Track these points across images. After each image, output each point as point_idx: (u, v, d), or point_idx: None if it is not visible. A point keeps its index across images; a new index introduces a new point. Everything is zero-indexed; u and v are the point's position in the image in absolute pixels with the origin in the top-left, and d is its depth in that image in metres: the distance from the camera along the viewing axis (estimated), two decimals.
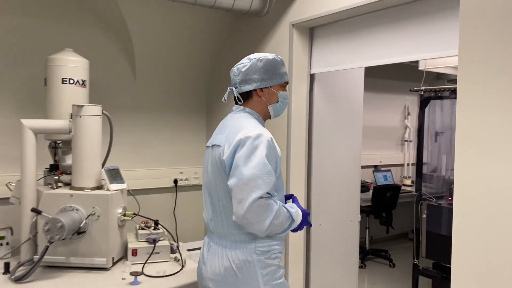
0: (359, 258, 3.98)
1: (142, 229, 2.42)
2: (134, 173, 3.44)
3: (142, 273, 2.08)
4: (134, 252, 2.26)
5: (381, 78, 5.39)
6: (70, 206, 2.12)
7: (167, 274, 2.10)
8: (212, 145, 1.80)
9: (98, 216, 2.14)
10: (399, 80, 5.77)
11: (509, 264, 1.63)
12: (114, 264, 2.21)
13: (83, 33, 3.22)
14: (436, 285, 3.77)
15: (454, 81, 5.29)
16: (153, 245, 2.28)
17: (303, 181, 3.00)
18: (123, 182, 2.29)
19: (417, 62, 4.73)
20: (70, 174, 2.32)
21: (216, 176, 1.73)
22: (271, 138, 1.68)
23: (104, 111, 2.34)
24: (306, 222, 1.76)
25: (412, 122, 6.05)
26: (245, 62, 1.79)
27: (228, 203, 1.68)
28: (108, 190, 2.23)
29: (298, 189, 2.96)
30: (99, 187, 2.29)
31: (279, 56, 1.84)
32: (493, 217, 1.68)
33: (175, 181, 3.72)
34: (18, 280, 1.96)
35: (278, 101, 1.83)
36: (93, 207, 2.14)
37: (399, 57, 2.42)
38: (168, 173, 3.70)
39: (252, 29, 3.32)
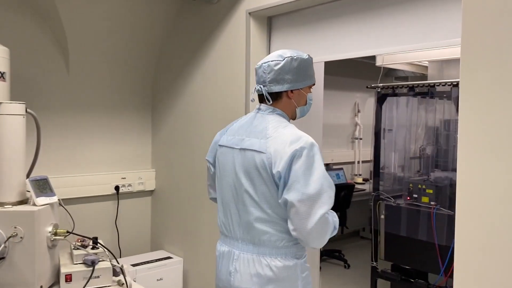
0: None
1: (78, 248, 2.05)
2: (68, 180, 3.11)
3: None
4: (68, 278, 1.91)
5: (329, 74, 5.28)
6: None
7: None
8: (243, 149, 1.70)
9: (21, 237, 1.77)
10: (348, 77, 5.71)
11: None
12: None
13: (4, 18, 2.79)
14: None
15: (401, 78, 5.35)
16: (91, 268, 1.93)
17: None
18: (53, 195, 1.92)
19: (371, 58, 4.68)
20: None
21: (255, 183, 1.66)
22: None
23: (28, 110, 1.96)
24: None
25: (362, 119, 6.04)
26: (278, 60, 1.68)
27: (271, 211, 1.64)
28: (34, 205, 1.85)
29: None
30: (23, 202, 1.90)
31: (309, 55, 1.74)
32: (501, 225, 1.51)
33: (117, 188, 3.45)
34: None
35: (306, 103, 1.77)
36: (15, 227, 1.76)
37: (364, 50, 2.28)
38: (108, 179, 3.42)
39: (204, 17, 3.06)
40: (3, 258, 1.75)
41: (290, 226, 1.59)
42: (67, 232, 1.94)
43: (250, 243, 1.69)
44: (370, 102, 6.16)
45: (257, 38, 2.72)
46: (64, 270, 1.93)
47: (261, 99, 1.75)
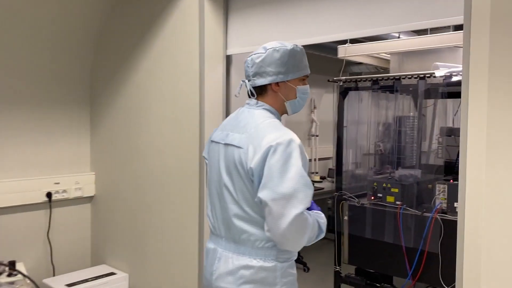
0: None
1: None
2: None
3: None
4: None
5: None
6: None
7: None
8: (226, 144, 1.71)
9: None
10: None
11: None
12: None
13: None
14: None
15: (356, 74, 5.26)
16: None
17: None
18: None
19: (329, 51, 4.51)
20: None
21: (234, 179, 1.66)
22: (300, 143, 1.61)
23: None
24: None
25: (318, 116, 5.99)
26: (260, 52, 1.69)
27: (250, 210, 1.64)
28: None
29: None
30: None
31: (298, 46, 1.72)
32: None
33: (49, 195, 3.20)
34: None
35: (296, 97, 1.74)
36: None
37: (336, 34, 2.17)
38: (38, 184, 3.18)
39: None
40: None
41: (265, 227, 1.57)
42: None
43: (232, 241, 1.70)
44: (326, 98, 6.14)
45: (213, 22, 2.61)
46: None
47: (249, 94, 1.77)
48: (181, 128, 2.66)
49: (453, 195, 2.97)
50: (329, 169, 5.83)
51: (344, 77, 3.57)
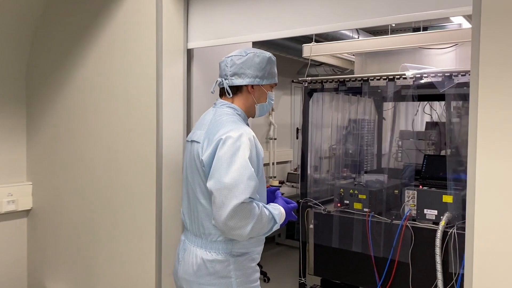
0: None
1: None
2: None
3: None
4: None
5: None
6: None
7: None
8: (191, 141, 1.87)
9: None
10: None
11: None
12: None
13: None
14: None
15: (314, 76, 5.21)
16: None
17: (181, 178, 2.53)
18: None
19: (293, 52, 4.41)
20: None
21: (193, 174, 1.81)
22: (253, 136, 1.73)
23: None
24: (290, 216, 1.83)
25: (276, 118, 5.96)
26: (240, 55, 1.83)
27: (206, 203, 1.76)
28: None
29: (172, 185, 2.57)
30: None
31: (272, 55, 1.90)
32: None
33: None
34: None
35: (266, 100, 1.90)
36: None
37: (302, 28, 2.12)
38: None
39: None
40: None
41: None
42: None
43: (193, 235, 1.84)
44: (284, 100, 6.09)
45: (172, 13, 2.44)
46: None
47: (222, 93, 1.89)
48: (135, 130, 2.47)
49: (422, 201, 2.93)
50: (288, 173, 5.76)
51: (309, 78, 3.47)
